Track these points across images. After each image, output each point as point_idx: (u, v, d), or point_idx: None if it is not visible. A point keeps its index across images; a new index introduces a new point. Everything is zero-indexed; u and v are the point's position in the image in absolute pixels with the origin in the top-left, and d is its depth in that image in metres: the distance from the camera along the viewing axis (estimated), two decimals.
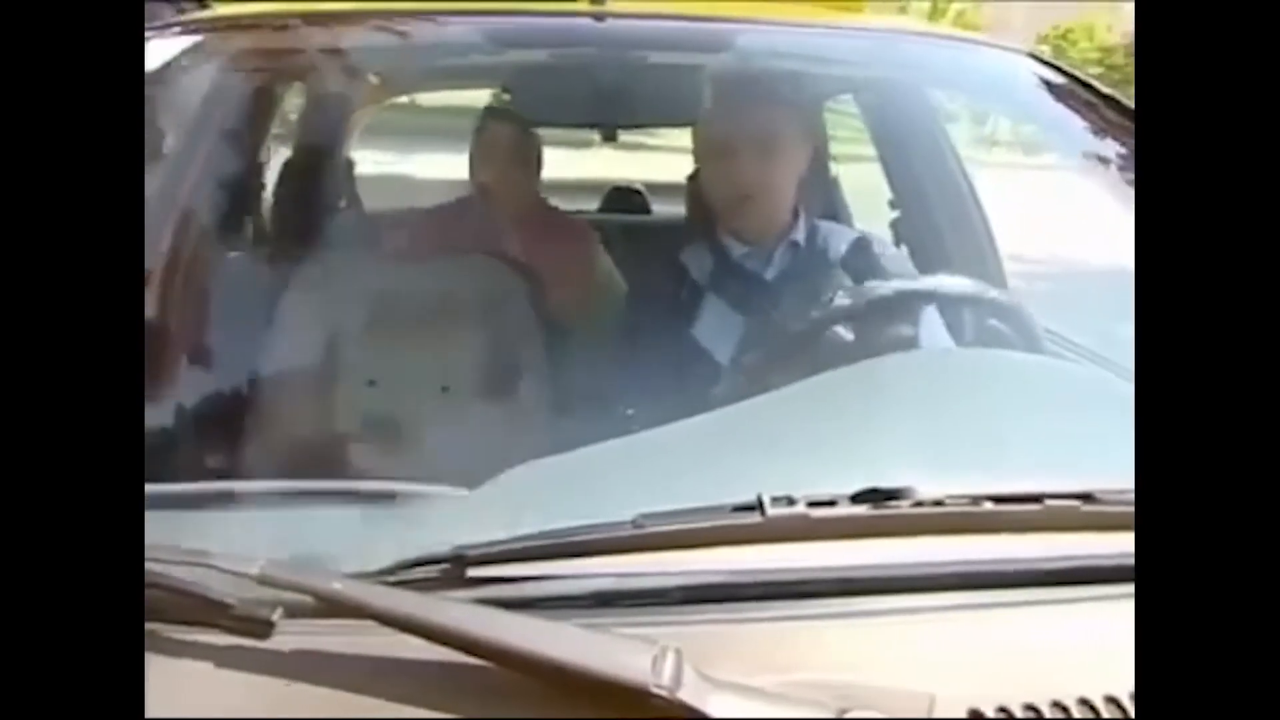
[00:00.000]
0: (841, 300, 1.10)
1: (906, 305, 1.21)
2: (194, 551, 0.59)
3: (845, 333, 1.22)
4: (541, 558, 0.62)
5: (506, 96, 1.96)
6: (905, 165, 1.91)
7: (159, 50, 1.16)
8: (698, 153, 1.34)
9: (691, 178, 1.69)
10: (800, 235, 1.31)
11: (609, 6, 1.25)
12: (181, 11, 1.34)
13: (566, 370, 1.37)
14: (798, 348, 1.08)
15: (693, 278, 1.30)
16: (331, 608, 0.57)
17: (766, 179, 1.26)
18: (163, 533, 0.59)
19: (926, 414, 0.80)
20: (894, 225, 1.90)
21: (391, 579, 0.60)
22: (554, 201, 2.39)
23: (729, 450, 0.75)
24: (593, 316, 1.71)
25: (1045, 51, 1.74)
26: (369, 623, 0.56)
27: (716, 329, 1.25)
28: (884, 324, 1.24)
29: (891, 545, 0.64)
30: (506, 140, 1.80)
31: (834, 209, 1.99)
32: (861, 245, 1.31)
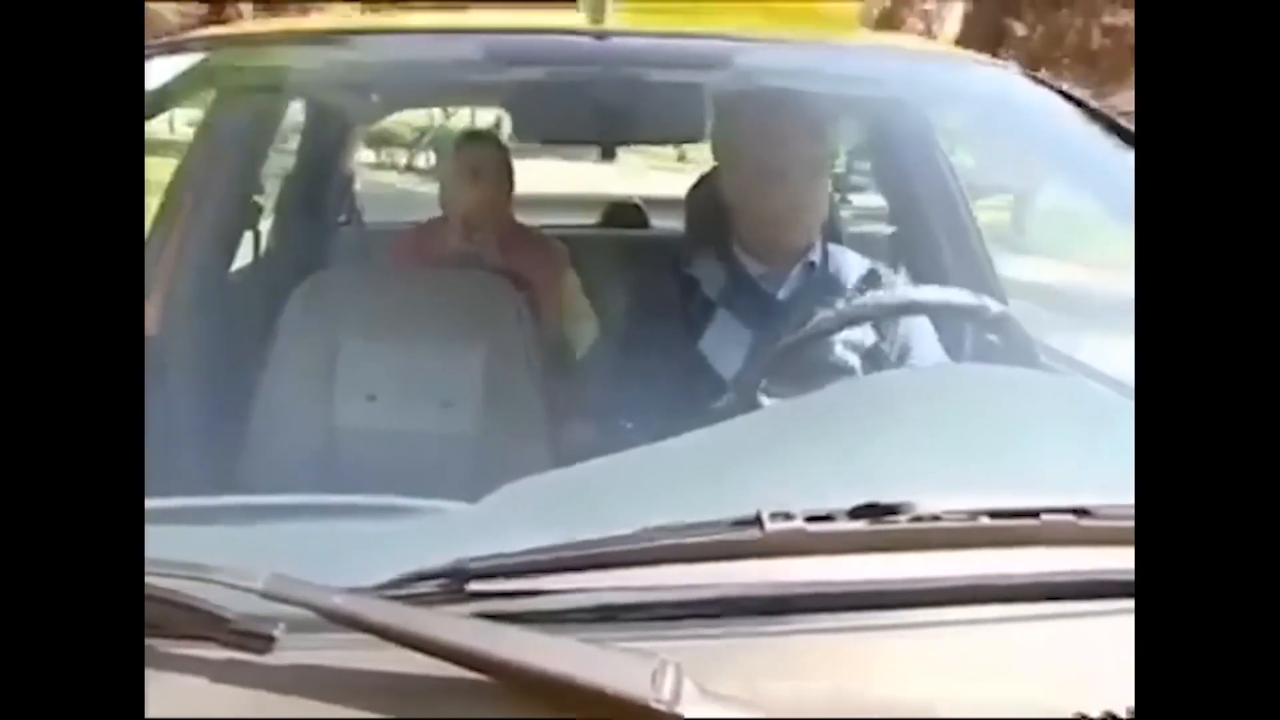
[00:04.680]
0: (843, 308, 1.11)
1: (907, 317, 1.21)
2: (194, 565, 0.59)
3: (850, 354, 1.23)
4: (542, 572, 0.62)
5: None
6: (901, 182, 1.92)
7: (160, 69, 1.16)
8: (734, 170, 1.32)
9: (694, 190, 1.70)
10: (816, 257, 1.32)
11: (608, 25, 1.27)
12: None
13: (567, 384, 1.38)
14: (805, 366, 1.09)
15: (703, 292, 1.30)
16: (332, 622, 0.57)
17: (818, 201, 1.28)
18: (163, 546, 0.58)
19: (925, 429, 0.80)
20: (891, 240, 1.91)
21: (392, 593, 0.60)
22: (552, 216, 2.39)
23: (728, 465, 0.75)
24: (565, 336, 1.73)
25: None
26: (370, 637, 0.56)
27: (724, 344, 1.25)
28: (882, 340, 1.25)
29: (890, 560, 0.64)
30: (486, 164, 1.81)
31: (837, 229, 2.00)
32: (873, 277, 1.33)
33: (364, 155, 4.96)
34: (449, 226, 1.81)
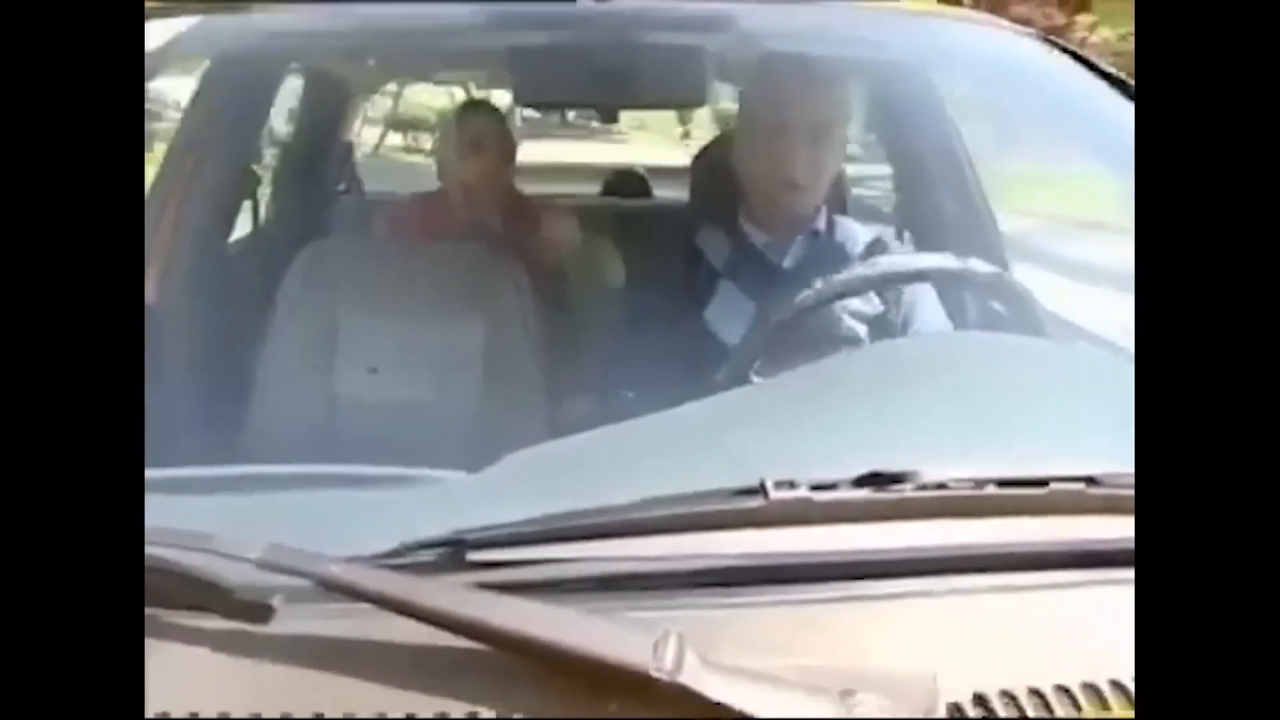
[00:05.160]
0: (847, 276, 1.09)
1: (911, 283, 1.20)
2: (194, 535, 0.59)
3: (856, 324, 1.22)
4: (542, 541, 0.61)
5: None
6: (908, 148, 1.90)
7: (157, 31, 1.14)
8: (744, 135, 1.31)
9: (699, 158, 1.68)
10: (821, 225, 1.31)
11: None
12: None
13: (570, 354, 1.37)
14: (811, 337, 1.07)
15: (709, 263, 1.29)
16: (331, 591, 0.56)
17: (820, 167, 1.26)
18: (163, 516, 0.58)
19: (930, 398, 0.79)
20: (897, 208, 1.89)
21: (391, 563, 0.60)
22: (555, 184, 2.37)
23: (731, 434, 0.75)
24: (585, 297, 1.72)
25: None
26: (369, 607, 0.55)
27: (729, 314, 1.24)
28: (887, 308, 1.24)
29: (894, 529, 0.64)
30: (486, 134, 1.78)
31: (843, 199, 1.98)
32: (879, 245, 1.31)
33: (392, 139, 5.04)
34: (449, 198, 1.79)
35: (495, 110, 1.88)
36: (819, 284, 1.06)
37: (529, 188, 1.95)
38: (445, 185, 1.80)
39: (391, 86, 4.78)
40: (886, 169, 2.01)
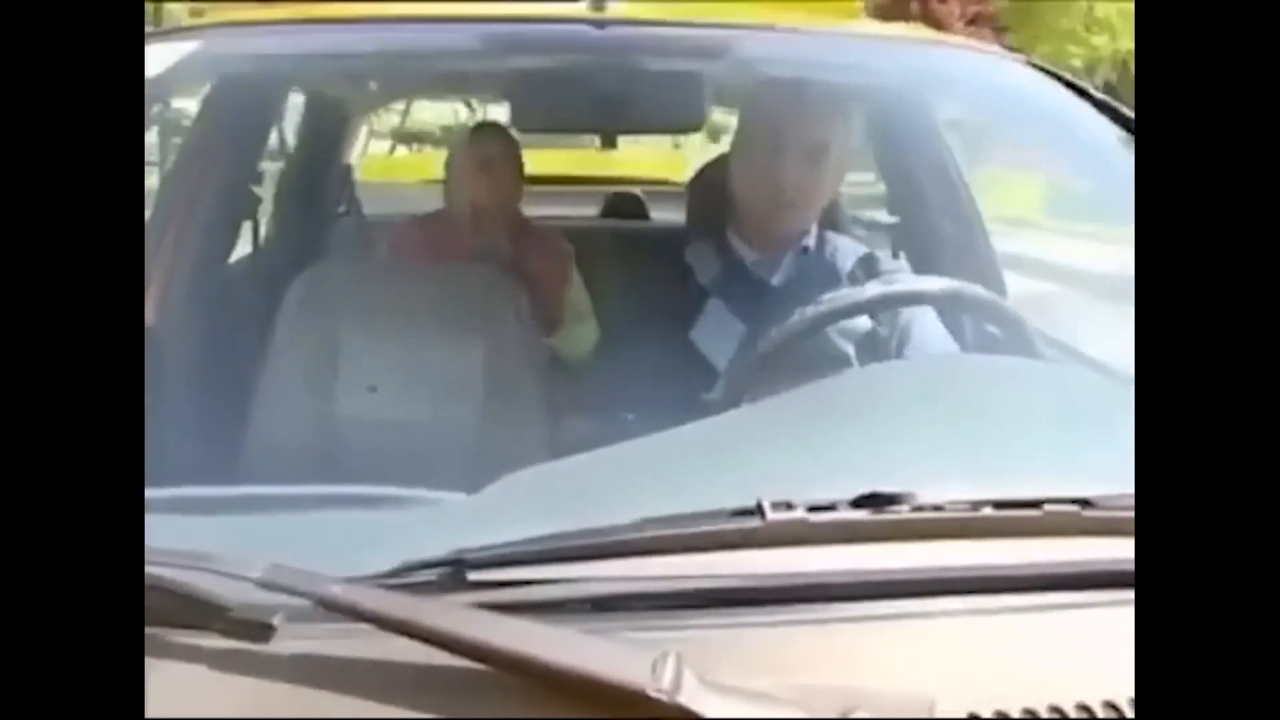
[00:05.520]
0: (839, 300, 1.09)
1: (905, 307, 1.20)
2: (194, 555, 0.59)
3: (844, 343, 1.22)
4: (542, 562, 0.62)
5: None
6: (903, 172, 1.91)
7: (159, 55, 1.16)
8: (738, 157, 1.32)
9: (695, 180, 1.70)
10: (811, 242, 1.31)
11: (608, 14, 1.26)
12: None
13: (566, 375, 1.37)
14: (797, 354, 1.08)
15: (697, 280, 1.29)
16: (331, 611, 0.57)
17: (815, 187, 1.26)
18: (163, 536, 0.58)
19: (927, 419, 0.80)
20: (892, 231, 1.91)
21: (391, 583, 0.60)
22: (552, 207, 2.39)
23: (729, 455, 0.75)
24: (562, 337, 1.73)
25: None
26: (369, 627, 0.56)
27: (716, 332, 1.24)
28: (881, 326, 1.25)
29: (891, 550, 0.64)
30: (497, 156, 1.79)
31: (837, 217, 2.00)
32: (869, 261, 1.31)
33: (400, 151, 5.14)
34: (455, 220, 1.80)
35: (507, 133, 1.89)
36: (809, 310, 1.06)
37: (529, 210, 1.96)
38: (453, 205, 1.81)
39: (398, 105, 4.84)
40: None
